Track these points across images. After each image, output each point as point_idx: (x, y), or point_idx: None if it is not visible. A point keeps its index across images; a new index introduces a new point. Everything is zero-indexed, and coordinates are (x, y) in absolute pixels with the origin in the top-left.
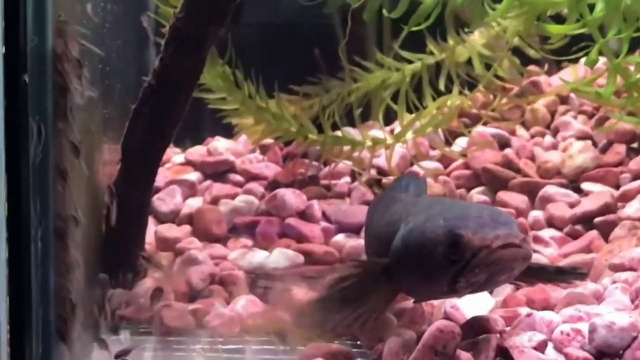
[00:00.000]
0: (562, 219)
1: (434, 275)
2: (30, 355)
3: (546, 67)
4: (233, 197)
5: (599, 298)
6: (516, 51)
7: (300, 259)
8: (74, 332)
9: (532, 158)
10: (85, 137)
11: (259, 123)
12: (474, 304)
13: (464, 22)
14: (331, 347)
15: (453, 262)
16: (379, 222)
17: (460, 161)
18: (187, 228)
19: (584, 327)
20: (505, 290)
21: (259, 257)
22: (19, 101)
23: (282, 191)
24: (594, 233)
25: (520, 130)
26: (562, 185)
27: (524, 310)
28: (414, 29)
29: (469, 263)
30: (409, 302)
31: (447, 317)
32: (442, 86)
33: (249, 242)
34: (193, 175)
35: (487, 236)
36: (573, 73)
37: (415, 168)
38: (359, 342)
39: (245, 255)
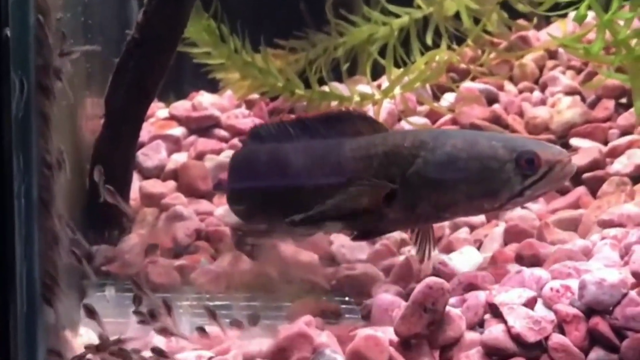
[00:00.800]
0: None
1: (499, 191)
2: (14, 313)
3: (535, 21)
4: (218, 152)
5: (587, 254)
6: (505, 5)
7: None
8: (59, 291)
9: (521, 113)
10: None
11: (245, 78)
12: (462, 261)
13: None
14: (319, 303)
15: (525, 176)
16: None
17: (448, 117)
18: (172, 183)
19: (574, 283)
20: (493, 246)
21: None
22: (1, 56)
23: None
24: (582, 189)
25: (508, 86)
26: (550, 141)
27: (513, 267)
28: None
29: (544, 176)
30: (397, 259)
31: (436, 273)
32: (429, 41)
33: None
34: (178, 131)
35: (556, 152)
36: (562, 28)
37: (403, 123)
38: (347, 299)
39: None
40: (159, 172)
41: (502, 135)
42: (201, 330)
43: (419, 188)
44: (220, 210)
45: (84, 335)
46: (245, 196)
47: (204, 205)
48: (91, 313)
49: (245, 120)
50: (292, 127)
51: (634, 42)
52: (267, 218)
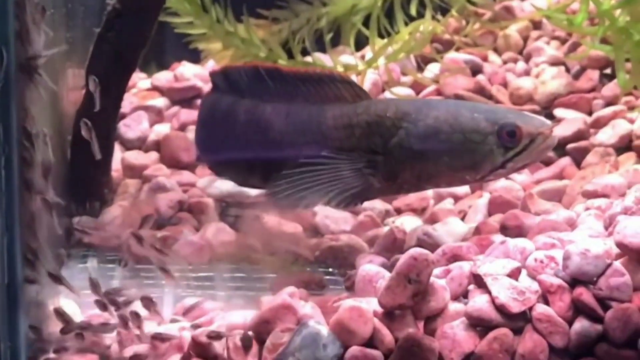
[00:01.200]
0: None
1: (481, 163)
2: None
3: None
4: None
5: (572, 225)
6: None
7: None
8: (40, 265)
9: (505, 84)
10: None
11: (227, 48)
12: (446, 231)
13: None
14: (303, 274)
15: (507, 149)
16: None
17: (432, 87)
18: (154, 155)
19: (558, 254)
20: (477, 217)
21: (228, 184)
22: None
23: None
24: (566, 160)
25: (492, 56)
26: (534, 112)
27: (497, 238)
28: None
29: (526, 148)
30: (382, 230)
31: (420, 244)
32: (414, 11)
33: None
34: (160, 101)
35: (538, 124)
36: None
37: (387, 94)
38: (331, 270)
39: (213, 182)
40: (140, 144)
41: (485, 107)
42: (164, 270)
43: (401, 159)
44: (203, 181)
45: (65, 307)
46: (215, 147)
47: (186, 176)
48: (57, 279)
49: None
50: (270, 78)
51: (617, 13)
52: (238, 178)
